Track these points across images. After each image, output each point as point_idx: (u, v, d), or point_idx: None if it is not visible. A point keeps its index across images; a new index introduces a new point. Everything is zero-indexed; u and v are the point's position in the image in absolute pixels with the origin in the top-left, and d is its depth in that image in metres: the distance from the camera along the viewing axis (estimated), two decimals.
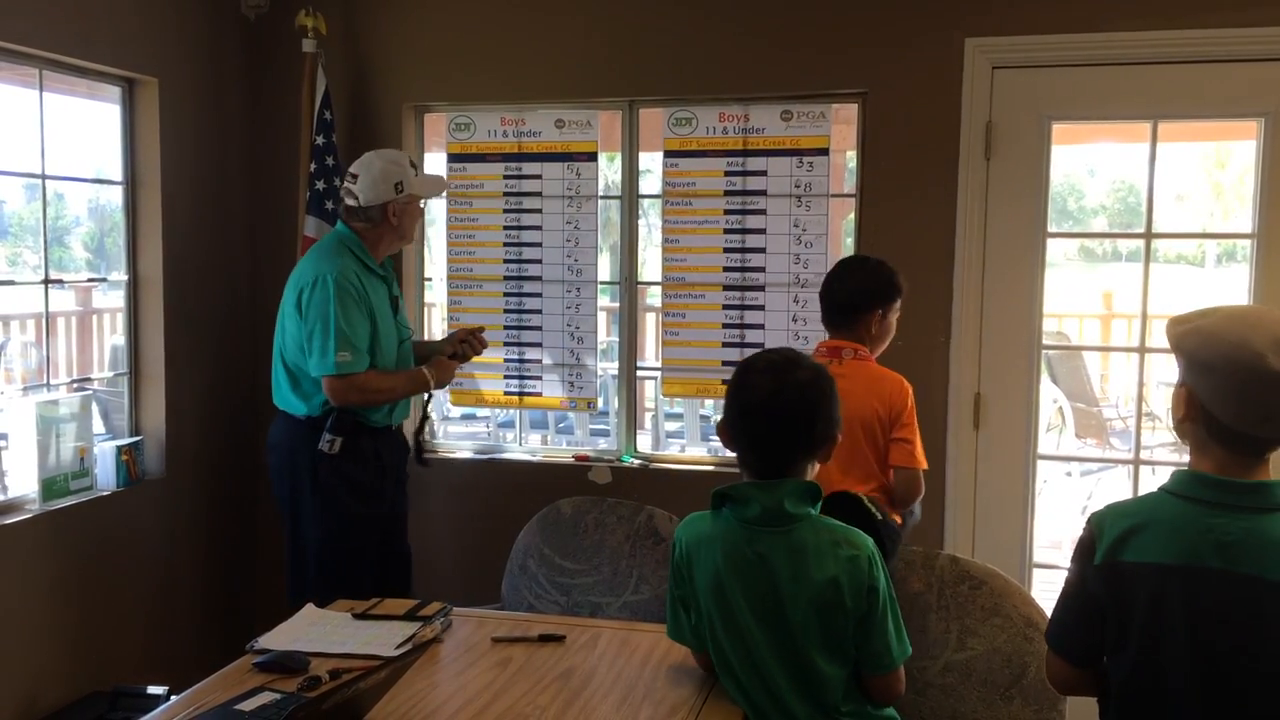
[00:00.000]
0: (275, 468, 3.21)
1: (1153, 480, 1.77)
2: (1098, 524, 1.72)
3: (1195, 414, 1.66)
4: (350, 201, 3.12)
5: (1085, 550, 1.72)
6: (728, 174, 3.70)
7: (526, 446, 4.19)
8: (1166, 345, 1.72)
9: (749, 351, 3.68)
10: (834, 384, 2.01)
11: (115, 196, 3.66)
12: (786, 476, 1.97)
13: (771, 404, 1.96)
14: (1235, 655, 1.61)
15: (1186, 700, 1.63)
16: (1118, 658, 1.70)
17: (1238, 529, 1.61)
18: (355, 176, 3.12)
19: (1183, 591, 1.61)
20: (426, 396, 3.42)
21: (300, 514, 3.16)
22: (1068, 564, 1.78)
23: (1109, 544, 1.68)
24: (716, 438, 2.31)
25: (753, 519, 1.96)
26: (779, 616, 1.93)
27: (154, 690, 3.24)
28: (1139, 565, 1.65)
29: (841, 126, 3.78)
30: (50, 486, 3.30)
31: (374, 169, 3.11)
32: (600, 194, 3.85)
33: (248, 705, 1.92)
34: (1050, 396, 6.17)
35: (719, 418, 2.08)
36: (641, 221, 4.01)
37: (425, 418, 3.64)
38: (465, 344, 3.33)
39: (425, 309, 4.15)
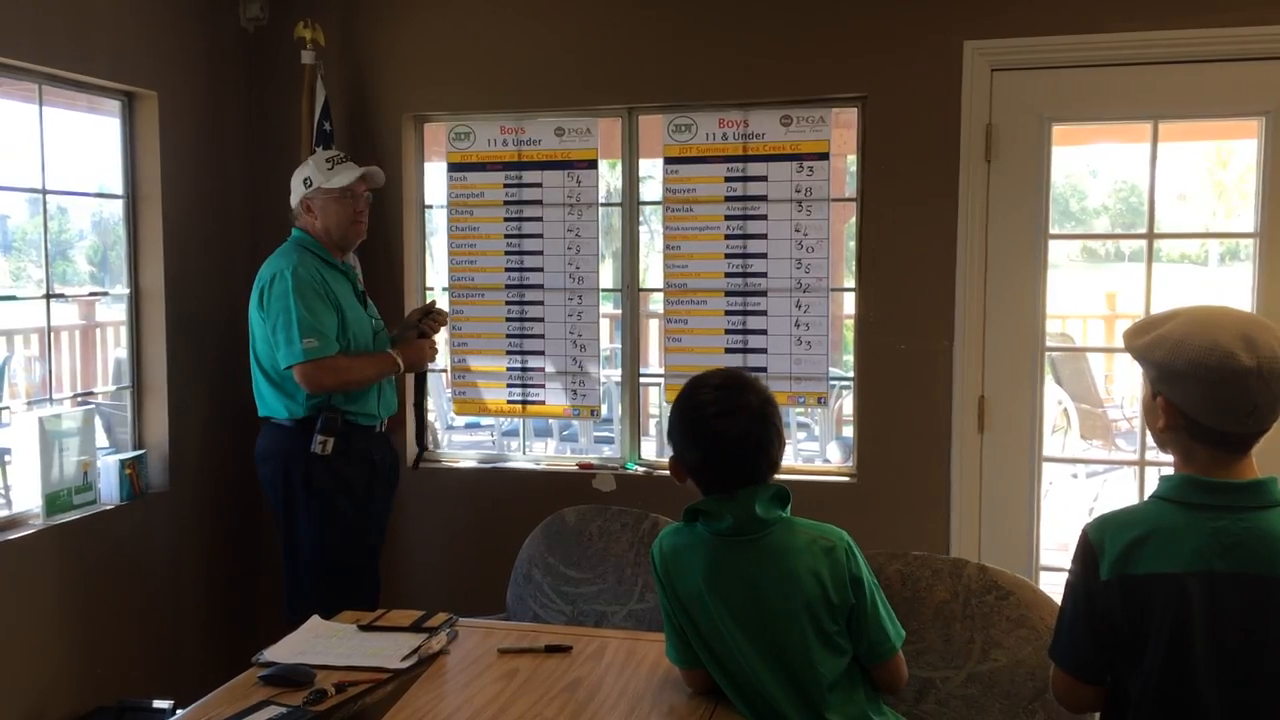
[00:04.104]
0: (268, 478, 3.23)
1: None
2: (1096, 537, 1.69)
3: (1177, 421, 1.65)
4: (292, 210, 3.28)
5: (1087, 565, 1.69)
6: (728, 179, 3.69)
7: (531, 455, 4.18)
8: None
9: (752, 357, 3.70)
10: (774, 400, 2.01)
11: (117, 210, 3.66)
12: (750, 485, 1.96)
13: (731, 436, 1.94)
14: (1256, 655, 1.60)
15: (1210, 706, 1.61)
16: (1133, 671, 1.67)
17: (1239, 529, 1.60)
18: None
19: (1197, 598, 1.60)
20: (415, 397, 3.47)
21: (295, 520, 3.18)
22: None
23: (1115, 557, 1.65)
24: None
25: (726, 531, 1.96)
26: (763, 625, 1.93)
27: (159, 704, 3.24)
28: (1150, 577, 1.63)
29: (842, 131, 3.77)
30: (54, 501, 3.30)
31: (295, 174, 3.26)
32: (601, 201, 3.85)
33: (253, 719, 1.92)
34: (1055, 398, 6.15)
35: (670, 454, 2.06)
36: (643, 228, 4.00)
37: (421, 420, 3.63)
38: (425, 322, 3.39)
39: None
